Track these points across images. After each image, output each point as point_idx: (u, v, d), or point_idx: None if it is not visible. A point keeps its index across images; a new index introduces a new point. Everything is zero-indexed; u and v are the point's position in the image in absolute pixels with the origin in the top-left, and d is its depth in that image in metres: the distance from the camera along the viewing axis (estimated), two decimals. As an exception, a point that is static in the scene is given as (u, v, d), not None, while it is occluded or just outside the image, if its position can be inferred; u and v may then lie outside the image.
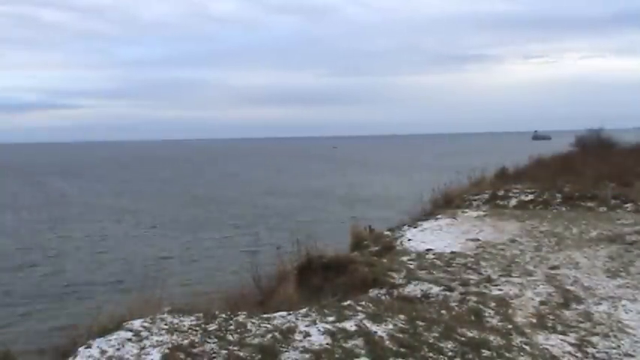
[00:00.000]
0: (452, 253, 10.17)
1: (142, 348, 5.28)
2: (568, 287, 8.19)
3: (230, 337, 5.62)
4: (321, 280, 8.35)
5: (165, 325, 5.80)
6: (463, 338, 6.06)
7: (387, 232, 12.63)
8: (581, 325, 6.83)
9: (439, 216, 14.25)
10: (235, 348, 5.39)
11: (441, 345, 5.82)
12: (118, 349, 5.25)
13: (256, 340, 5.57)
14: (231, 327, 5.87)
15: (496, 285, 8.16)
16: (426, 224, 13.16)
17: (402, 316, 6.49)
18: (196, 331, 5.73)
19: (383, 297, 7.62)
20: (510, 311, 7.15)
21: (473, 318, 6.84)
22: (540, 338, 6.40)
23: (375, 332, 5.94)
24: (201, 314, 6.16)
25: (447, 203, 16.10)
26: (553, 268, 9.22)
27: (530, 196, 16.17)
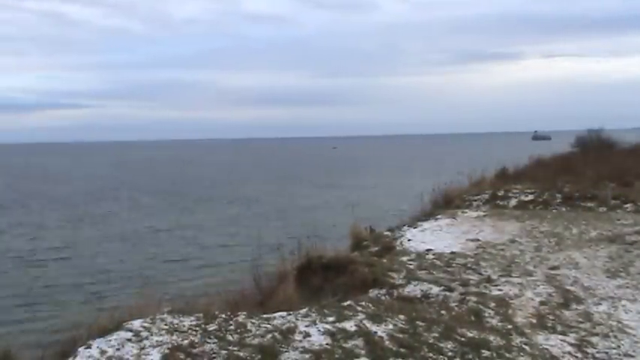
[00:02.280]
0: (452, 253, 10.17)
1: (142, 348, 5.29)
2: (568, 287, 8.19)
3: (230, 338, 5.62)
4: (321, 280, 8.36)
5: (165, 325, 5.81)
6: (463, 338, 6.06)
7: (387, 233, 12.63)
8: (581, 325, 6.84)
9: (439, 216, 14.24)
10: (235, 348, 5.39)
11: (441, 345, 5.82)
12: (118, 350, 5.26)
13: (256, 341, 5.57)
14: (231, 327, 5.88)
15: (496, 285, 8.16)
16: (426, 224, 13.16)
17: (402, 317, 6.50)
18: (196, 331, 5.73)
19: (383, 297, 7.62)
20: (510, 311, 7.15)
21: (473, 318, 6.84)
22: (540, 338, 6.40)
23: (375, 332, 5.95)
24: (201, 314, 6.17)
25: (446, 203, 16.10)
26: (553, 268, 9.22)
27: (530, 197, 16.17)
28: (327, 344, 5.59)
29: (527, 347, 6.12)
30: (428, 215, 14.63)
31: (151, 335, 5.54)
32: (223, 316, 6.17)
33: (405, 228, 12.97)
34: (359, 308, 6.68)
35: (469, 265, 9.31)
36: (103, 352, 5.20)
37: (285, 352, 5.39)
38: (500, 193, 16.84)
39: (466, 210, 15.26)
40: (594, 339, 6.45)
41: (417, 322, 6.36)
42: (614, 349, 6.22)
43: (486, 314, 7.00)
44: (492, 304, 7.32)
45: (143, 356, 5.16)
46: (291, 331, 5.84)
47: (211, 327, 5.85)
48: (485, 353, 5.77)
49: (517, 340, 6.28)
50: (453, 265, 9.34)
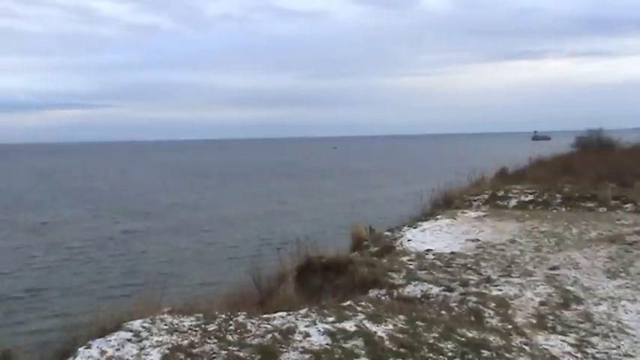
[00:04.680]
0: (452, 253, 10.17)
1: (142, 348, 5.29)
2: (568, 288, 8.19)
3: (230, 338, 5.62)
4: (321, 280, 8.35)
5: (165, 325, 5.81)
6: (463, 338, 6.06)
7: (387, 233, 12.62)
8: (581, 325, 6.84)
9: (439, 216, 14.23)
10: (235, 348, 5.39)
11: (441, 345, 5.82)
12: (118, 350, 5.26)
13: (256, 341, 5.57)
14: (231, 327, 5.88)
15: (496, 285, 8.16)
16: (425, 225, 13.15)
17: (401, 317, 6.50)
18: (196, 331, 5.73)
19: (383, 297, 7.62)
20: (510, 312, 7.15)
21: (473, 318, 6.84)
22: (540, 339, 6.40)
23: (375, 332, 5.94)
24: (201, 314, 6.17)
25: (446, 204, 16.09)
26: (553, 268, 9.22)
27: (530, 197, 16.15)
28: (327, 344, 5.59)
29: (527, 347, 6.12)
30: (428, 215, 14.62)
31: (151, 335, 5.54)
32: (223, 316, 6.17)
33: (405, 228, 12.96)
34: (359, 308, 6.68)
35: (469, 266, 9.30)
36: (103, 353, 5.20)
37: (285, 352, 5.39)
38: (500, 193, 16.83)
39: (466, 210, 15.25)
40: (594, 339, 6.45)
41: (417, 322, 6.36)
42: (614, 349, 6.22)
43: (486, 314, 7.00)
44: (492, 304, 7.32)
45: (143, 356, 5.16)
46: (291, 331, 5.84)
47: (211, 327, 5.85)
48: (485, 353, 5.77)
49: (517, 340, 6.28)
50: (453, 265, 9.34)
